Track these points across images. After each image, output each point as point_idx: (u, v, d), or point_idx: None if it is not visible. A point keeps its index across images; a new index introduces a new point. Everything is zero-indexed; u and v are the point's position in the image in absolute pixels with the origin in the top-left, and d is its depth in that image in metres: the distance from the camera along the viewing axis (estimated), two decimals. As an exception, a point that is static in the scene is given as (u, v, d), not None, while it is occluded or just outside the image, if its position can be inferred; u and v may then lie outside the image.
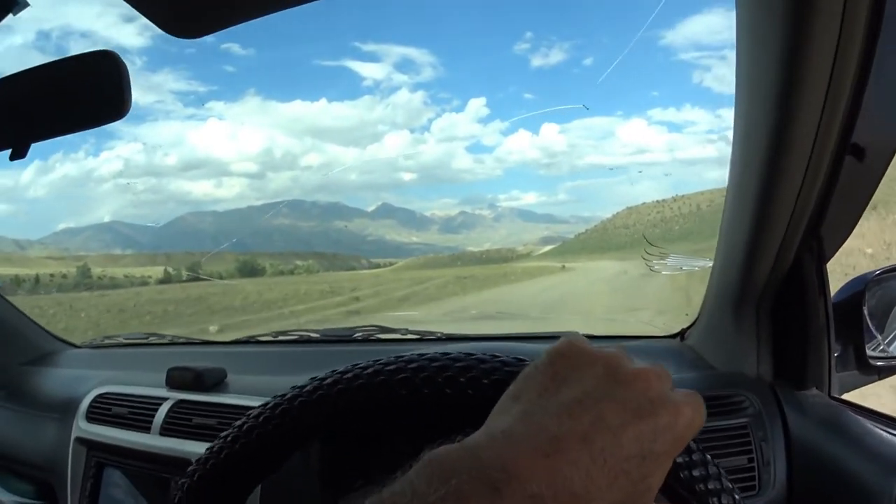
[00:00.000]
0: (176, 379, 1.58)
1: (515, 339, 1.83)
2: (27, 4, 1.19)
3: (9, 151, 1.18)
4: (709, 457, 0.60)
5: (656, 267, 1.62)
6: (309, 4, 0.90)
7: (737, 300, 1.27)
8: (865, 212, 1.10)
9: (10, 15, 1.20)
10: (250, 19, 0.93)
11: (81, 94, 1.12)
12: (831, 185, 1.00)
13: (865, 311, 1.29)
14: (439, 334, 1.86)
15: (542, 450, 0.43)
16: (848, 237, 1.14)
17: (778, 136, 0.94)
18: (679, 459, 0.58)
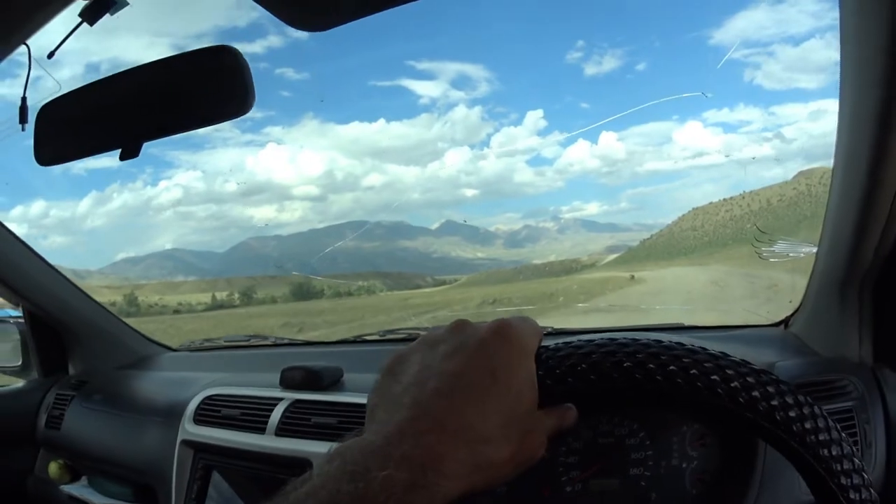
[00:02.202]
0: (291, 378, 1.59)
1: (639, 330, 1.77)
2: (126, 3, 1.20)
3: (118, 151, 1.14)
4: (817, 409, 0.66)
5: (765, 254, 1.65)
6: (363, 24, 0.96)
7: (840, 284, 1.30)
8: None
9: (108, 14, 1.21)
10: (372, 13, 0.98)
11: (202, 89, 1.12)
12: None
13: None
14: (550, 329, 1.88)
15: (442, 391, 0.61)
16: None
17: (884, 116, 0.97)
18: (792, 413, 0.64)
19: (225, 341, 2.33)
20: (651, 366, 0.68)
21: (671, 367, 0.67)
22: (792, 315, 1.54)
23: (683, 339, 0.95)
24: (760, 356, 1.31)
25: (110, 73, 1.20)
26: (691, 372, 0.68)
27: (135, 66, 1.18)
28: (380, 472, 0.53)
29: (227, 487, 1.55)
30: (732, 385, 0.65)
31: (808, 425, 0.65)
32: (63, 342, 2.26)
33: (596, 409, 1.02)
